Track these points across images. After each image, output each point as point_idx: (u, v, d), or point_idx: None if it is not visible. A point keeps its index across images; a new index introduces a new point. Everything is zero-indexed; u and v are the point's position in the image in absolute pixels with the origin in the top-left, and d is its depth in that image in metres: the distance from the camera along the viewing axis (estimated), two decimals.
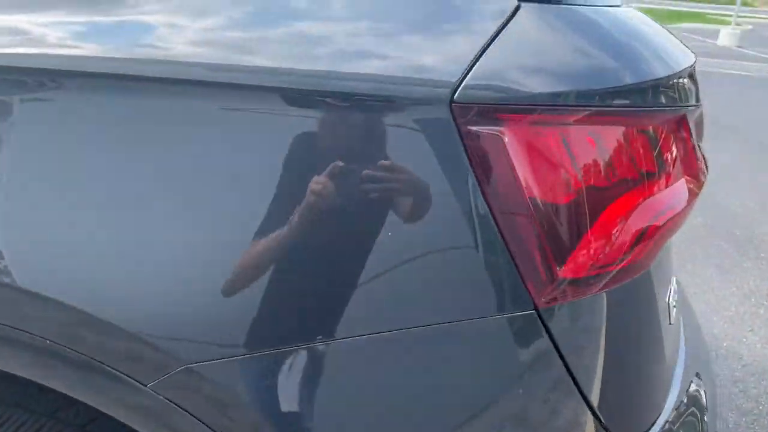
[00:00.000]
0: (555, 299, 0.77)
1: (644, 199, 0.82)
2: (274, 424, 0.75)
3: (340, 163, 0.71)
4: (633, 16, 1.03)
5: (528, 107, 0.74)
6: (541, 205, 0.74)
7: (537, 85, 0.74)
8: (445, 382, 0.76)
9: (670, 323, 0.98)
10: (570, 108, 0.76)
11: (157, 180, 0.74)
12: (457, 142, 0.72)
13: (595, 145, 0.78)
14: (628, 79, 0.81)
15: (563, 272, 0.77)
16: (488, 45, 0.74)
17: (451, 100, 0.71)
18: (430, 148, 0.72)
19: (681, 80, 0.91)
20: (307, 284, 0.72)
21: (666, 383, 0.98)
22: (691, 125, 0.96)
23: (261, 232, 0.71)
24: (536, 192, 0.74)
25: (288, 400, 0.74)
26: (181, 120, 0.74)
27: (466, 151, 0.72)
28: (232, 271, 0.71)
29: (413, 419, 0.76)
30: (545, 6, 0.80)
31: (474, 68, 0.72)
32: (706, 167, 1.06)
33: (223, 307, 0.71)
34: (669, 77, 0.86)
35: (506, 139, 0.72)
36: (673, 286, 1.04)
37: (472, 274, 0.74)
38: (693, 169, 0.92)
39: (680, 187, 0.89)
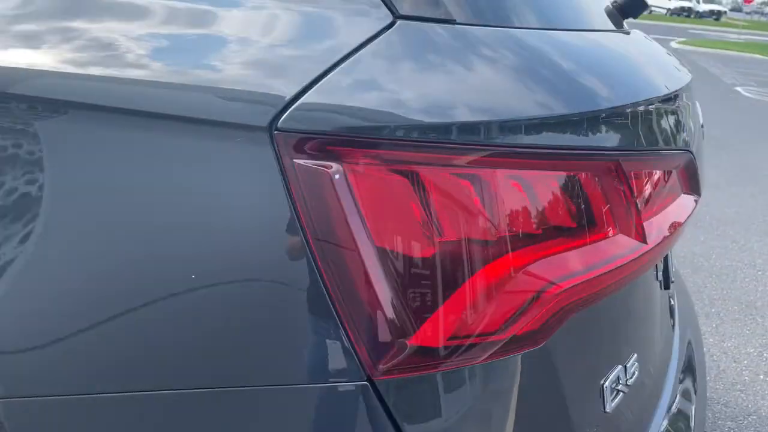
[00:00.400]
0: (399, 370, 0.64)
1: (539, 259, 0.68)
2: None
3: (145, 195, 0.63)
4: (601, 38, 0.88)
5: (374, 141, 0.62)
6: (381, 259, 0.62)
7: (393, 116, 0.63)
8: None
9: (605, 411, 0.81)
10: (437, 145, 0.63)
11: None
12: (278, 177, 0.61)
13: (473, 191, 0.65)
14: (528, 113, 0.67)
15: (413, 339, 0.64)
16: (335, 65, 0.64)
17: (273, 128, 0.61)
18: (249, 183, 0.62)
19: (618, 118, 0.75)
20: (90, 331, 0.64)
21: None
22: (648, 172, 0.80)
23: (33, 272, 0.65)
24: (376, 243, 0.62)
25: None
26: None
27: (287, 188, 0.61)
28: None
29: None
30: (427, 24, 0.68)
31: (309, 92, 0.62)
32: (685, 219, 0.88)
33: None
34: (591, 113, 0.71)
35: (337, 177, 0.61)
36: (626, 366, 0.86)
37: (293, 334, 0.63)
38: (636, 225, 0.76)
39: (603, 247, 0.73)
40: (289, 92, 0.62)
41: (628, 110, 0.75)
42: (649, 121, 0.81)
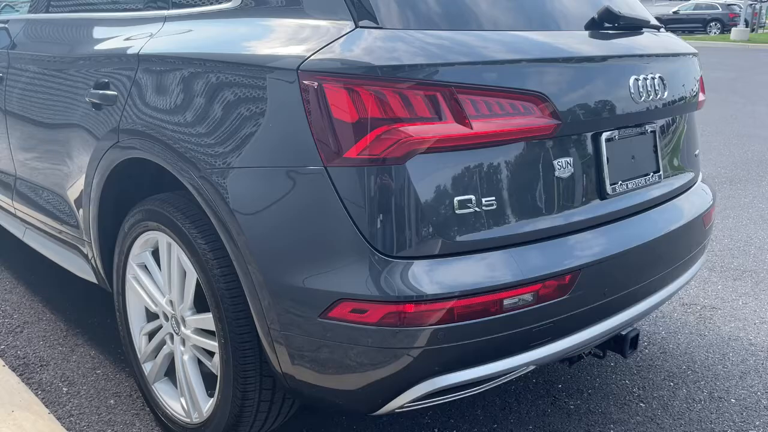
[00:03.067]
0: (338, 165, 1.63)
1: (402, 127, 1.60)
2: None
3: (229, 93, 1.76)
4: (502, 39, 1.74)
5: (339, 73, 1.62)
6: (336, 123, 1.61)
7: (347, 64, 1.62)
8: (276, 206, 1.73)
9: (454, 213, 1.67)
10: (363, 77, 1.60)
11: None
12: (297, 88, 1.65)
13: (376, 99, 1.60)
14: (413, 61, 1.61)
15: (347, 153, 1.62)
16: (327, 44, 1.66)
17: (298, 68, 1.66)
18: (285, 91, 1.68)
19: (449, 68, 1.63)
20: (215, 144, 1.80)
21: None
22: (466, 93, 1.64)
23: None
24: (335, 115, 1.61)
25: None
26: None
27: (301, 92, 1.65)
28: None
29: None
30: (374, 30, 1.66)
31: (314, 54, 1.65)
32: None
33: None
34: (455, 63, 1.62)
35: (321, 88, 1.61)
36: (480, 198, 1.69)
37: (291, 150, 1.69)
38: (465, 121, 1.62)
39: (442, 127, 1.61)
40: (305, 54, 1.66)
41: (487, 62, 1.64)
42: (499, 70, 1.66)
